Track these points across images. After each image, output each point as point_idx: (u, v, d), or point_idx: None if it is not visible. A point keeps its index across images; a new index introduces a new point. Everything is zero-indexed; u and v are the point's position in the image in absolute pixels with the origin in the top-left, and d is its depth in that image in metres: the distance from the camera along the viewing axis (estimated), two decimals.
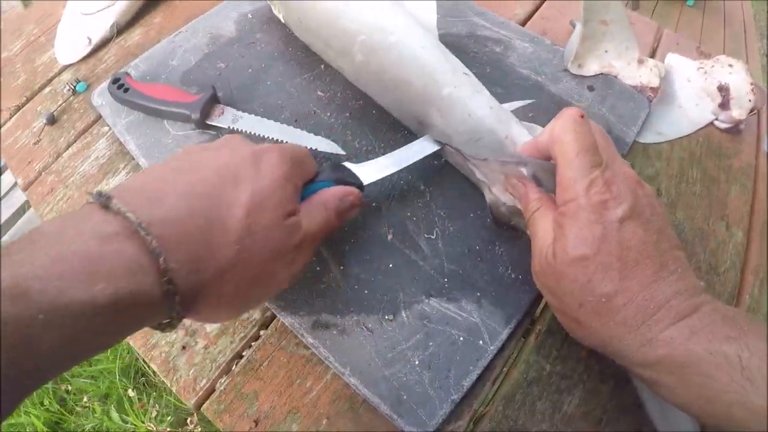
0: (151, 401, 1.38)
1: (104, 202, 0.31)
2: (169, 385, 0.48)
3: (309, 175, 0.44)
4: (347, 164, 0.48)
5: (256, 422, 0.45)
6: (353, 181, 0.47)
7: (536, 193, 0.43)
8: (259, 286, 0.37)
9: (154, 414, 1.35)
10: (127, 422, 1.35)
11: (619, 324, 0.35)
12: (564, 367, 0.48)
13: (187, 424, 1.35)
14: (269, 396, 0.46)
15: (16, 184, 1.49)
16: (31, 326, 0.25)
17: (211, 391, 0.47)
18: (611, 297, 0.35)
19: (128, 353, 1.44)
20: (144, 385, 1.42)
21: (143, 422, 1.34)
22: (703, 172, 0.62)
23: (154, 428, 1.32)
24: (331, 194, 0.43)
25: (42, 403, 1.39)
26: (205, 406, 0.47)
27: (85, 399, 1.38)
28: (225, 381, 0.47)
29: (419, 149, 0.51)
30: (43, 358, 0.26)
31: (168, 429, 1.32)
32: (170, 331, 0.35)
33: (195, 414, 1.36)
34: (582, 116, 0.40)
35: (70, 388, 1.41)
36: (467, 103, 0.49)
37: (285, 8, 0.63)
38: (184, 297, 0.32)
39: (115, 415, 1.35)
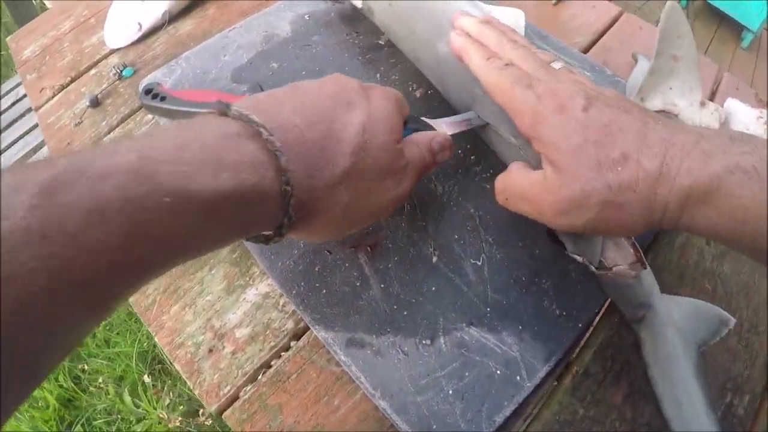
0: (165, 389, 1.38)
1: (223, 109, 0.33)
2: (191, 388, 0.47)
3: (405, 117, 0.44)
4: (424, 119, 0.48)
5: None
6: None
7: None
8: (370, 201, 0.38)
9: (167, 402, 1.35)
10: (139, 407, 1.35)
11: (645, 179, 0.35)
12: (597, 411, 0.46)
13: (198, 416, 1.34)
14: (294, 410, 0.45)
15: None
16: (154, 210, 0.25)
17: (234, 398, 0.46)
18: (624, 160, 0.35)
19: (147, 339, 1.44)
20: (160, 372, 1.42)
21: (155, 409, 1.33)
22: None
23: (166, 416, 1.32)
24: (421, 135, 0.44)
25: (56, 379, 1.40)
26: (227, 413, 0.46)
27: (100, 380, 1.39)
28: (250, 390, 0.46)
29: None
30: (157, 247, 0.26)
31: (179, 418, 1.32)
32: (277, 242, 0.36)
33: None
34: (489, 58, 0.43)
35: (86, 367, 1.41)
36: None
37: None
38: (298, 200, 0.33)
39: (128, 398, 1.35)
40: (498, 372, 0.44)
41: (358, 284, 0.47)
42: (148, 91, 0.58)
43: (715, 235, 0.35)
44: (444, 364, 0.44)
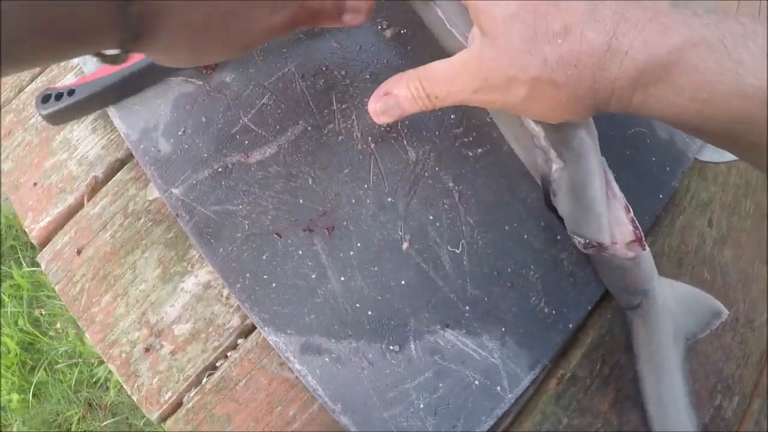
0: None
1: None
2: (129, 393, 0.42)
3: None
4: None
5: None
6: None
7: None
8: (232, 26, 0.34)
9: None
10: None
11: (588, 54, 0.31)
12: (582, 420, 0.42)
13: None
14: (244, 421, 0.40)
15: None
16: None
17: (177, 405, 0.41)
18: (566, 32, 0.31)
19: None
20: None
21: None
22: (756, 205, 0.55)
23: None
24: None
25: (16, 323, 1.36)
26: (169, 422, 0.41)
27: (58, 324, 1.35)
28: (194, 397, 0.41)
29: None
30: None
31: None
32: (121, 63, 0.32)
33: None
34: None
35: (43, 312, 1.37)
36: None
37: None
38: (142, 10, 0.29)
39: (88, 341, 1.31)
40: (476, 383, 0.38)
41: (313, 276, 0.40)
42: (45, 99, 0.46)
43: (673, 118, 0.31)
44: (415, 374, 0.38)
